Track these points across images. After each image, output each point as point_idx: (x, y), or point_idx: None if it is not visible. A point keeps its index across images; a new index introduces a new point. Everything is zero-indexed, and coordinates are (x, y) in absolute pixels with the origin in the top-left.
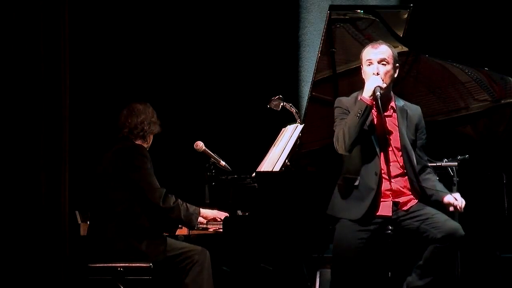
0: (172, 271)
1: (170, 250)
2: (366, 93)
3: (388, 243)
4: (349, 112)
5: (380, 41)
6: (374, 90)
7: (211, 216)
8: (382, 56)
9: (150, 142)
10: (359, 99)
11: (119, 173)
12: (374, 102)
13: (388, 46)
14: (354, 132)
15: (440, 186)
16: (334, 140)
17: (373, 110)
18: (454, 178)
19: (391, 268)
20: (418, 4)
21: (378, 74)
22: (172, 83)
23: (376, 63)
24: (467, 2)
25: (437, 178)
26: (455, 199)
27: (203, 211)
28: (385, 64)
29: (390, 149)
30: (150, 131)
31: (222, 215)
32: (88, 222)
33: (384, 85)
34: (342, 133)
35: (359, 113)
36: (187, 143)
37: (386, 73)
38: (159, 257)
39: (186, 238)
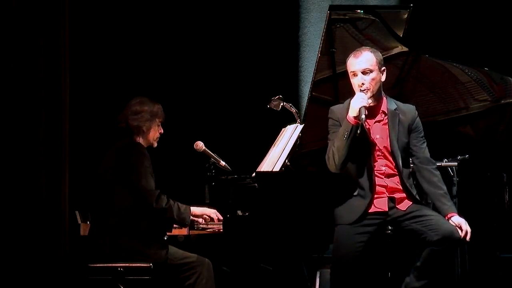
0: (172, 278)
1: (173, 258)
2: (352, 112)
3: (388, 243)
4: (340, 125)
5: (363, 47)
6: (359, 111)
7: (200, 213)
8: (365, 66)
9: (155, 137)
10: (346, 117)
11: (119, 172)
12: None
13: (370, 51)
14: (343, 153)
15: (445, 199)
16: (325, 158)
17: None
18: (454, 178)
19: (391, 268)
20: (418, 4)
21: (363, 84)
22: (172, 83)
23: (360, 74)
24: (467, 2)
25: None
26: (460, 228)
27: (193, 209)
28: (369, 73)
29: (382, 153)
30: (146, 126)
31: (210, 212)
32: (89, 222)
33: (370, 102)
34: (332, 153)
35: (346, 135)
36: (187, 143)
37: (371, 81)
38: (161, 260)
39: (186, 238)
